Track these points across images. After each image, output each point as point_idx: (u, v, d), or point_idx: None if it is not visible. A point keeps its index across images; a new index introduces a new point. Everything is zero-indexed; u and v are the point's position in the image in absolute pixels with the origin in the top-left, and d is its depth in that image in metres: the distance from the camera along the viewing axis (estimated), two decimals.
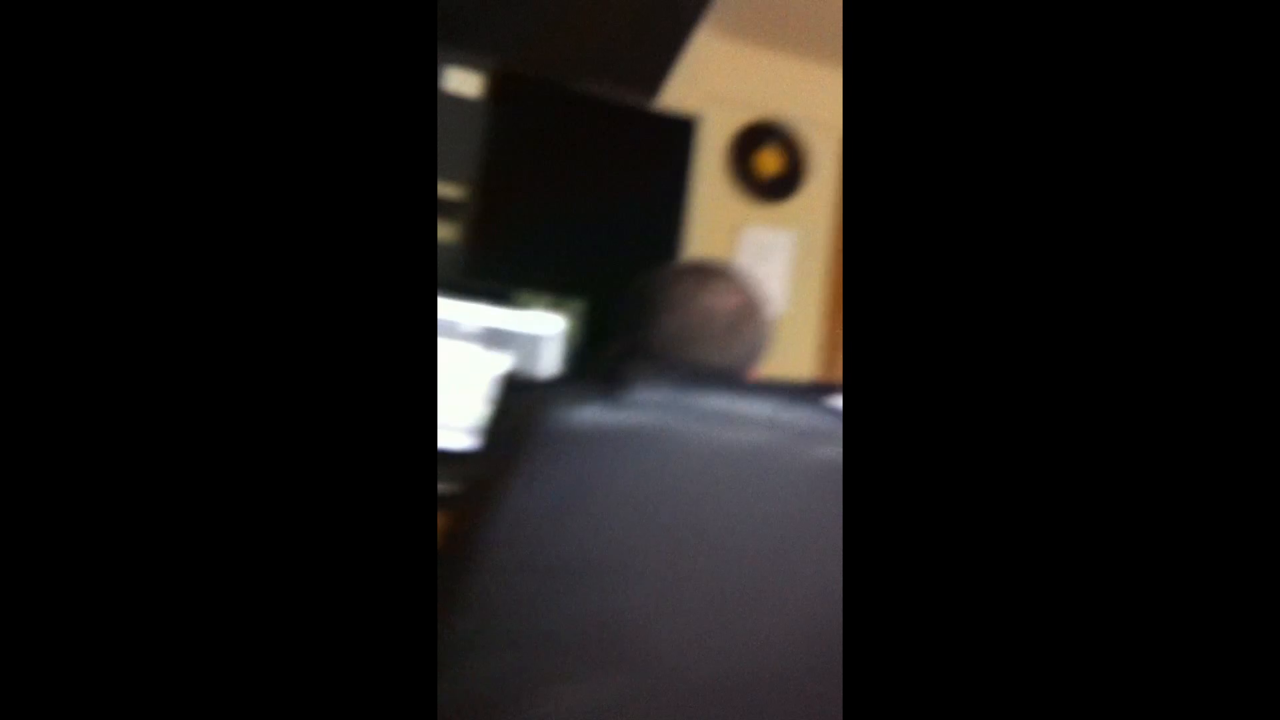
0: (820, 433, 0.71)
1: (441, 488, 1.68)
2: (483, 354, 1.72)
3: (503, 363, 1.73)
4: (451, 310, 1.70)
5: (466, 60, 1.91)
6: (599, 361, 0.96)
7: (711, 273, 0.89)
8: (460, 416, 1.70)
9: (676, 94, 2.21)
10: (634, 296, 0.89)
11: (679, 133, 2.10)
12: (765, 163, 2.35)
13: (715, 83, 2.30)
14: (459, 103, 1.91)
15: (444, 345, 1.69)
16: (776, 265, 2.36)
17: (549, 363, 1.76)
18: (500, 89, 1.94)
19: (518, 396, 0.73)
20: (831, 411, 0.73)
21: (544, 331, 1.76)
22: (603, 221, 2.01)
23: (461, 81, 1.91)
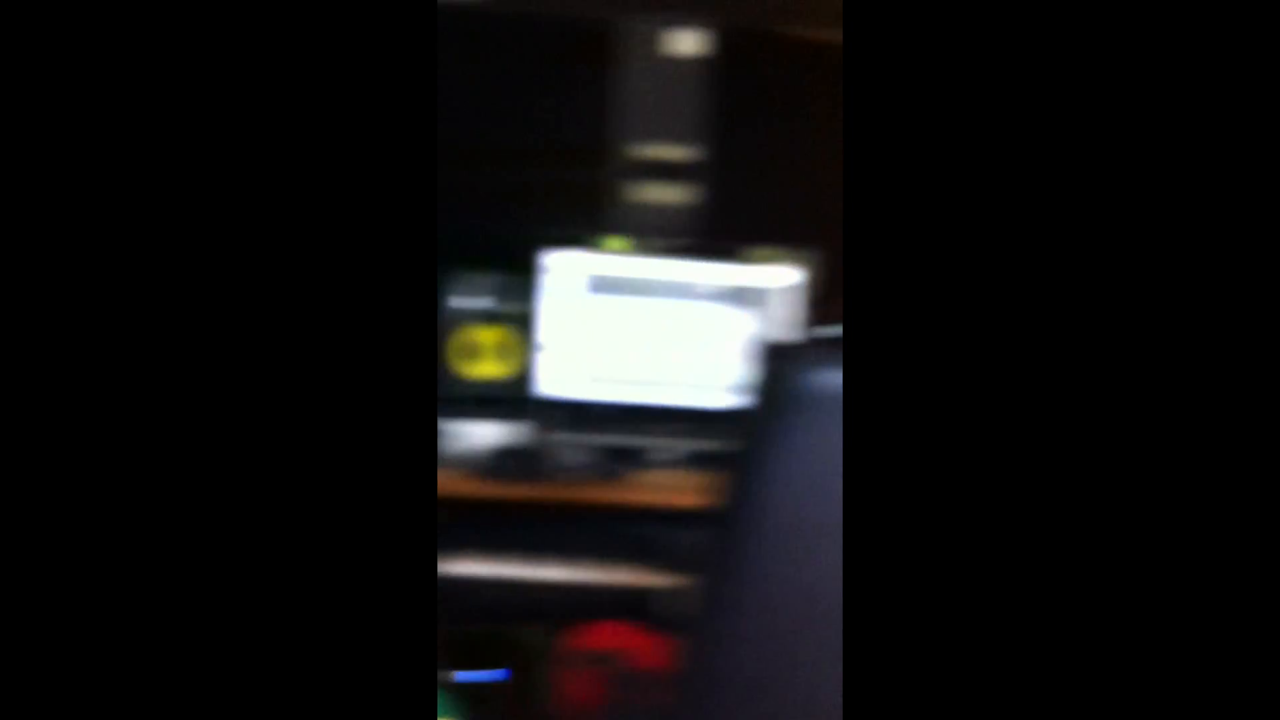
0: None
1: (708, 445, 1.79)
2: (722, 312, 1.80)
3: (741, 319, 1.80)
4: (687, 271, 1.80)
5: (684, 20, 1.97)
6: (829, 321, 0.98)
7: None
8: (708, 376, 1.80)
9: None
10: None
11: None
12: None
13: None
14: (682, 63, 1.98)
15: (683, 306, 1.79)
16: None
17: (783, 317, 1.81)
18: (722, 45, 1.98)
19: (769, 360, 0.79)
20: None
21: (776, 285, 1.81)
22: (822, 168, 2.02)
23: (681, 41, 1.97)
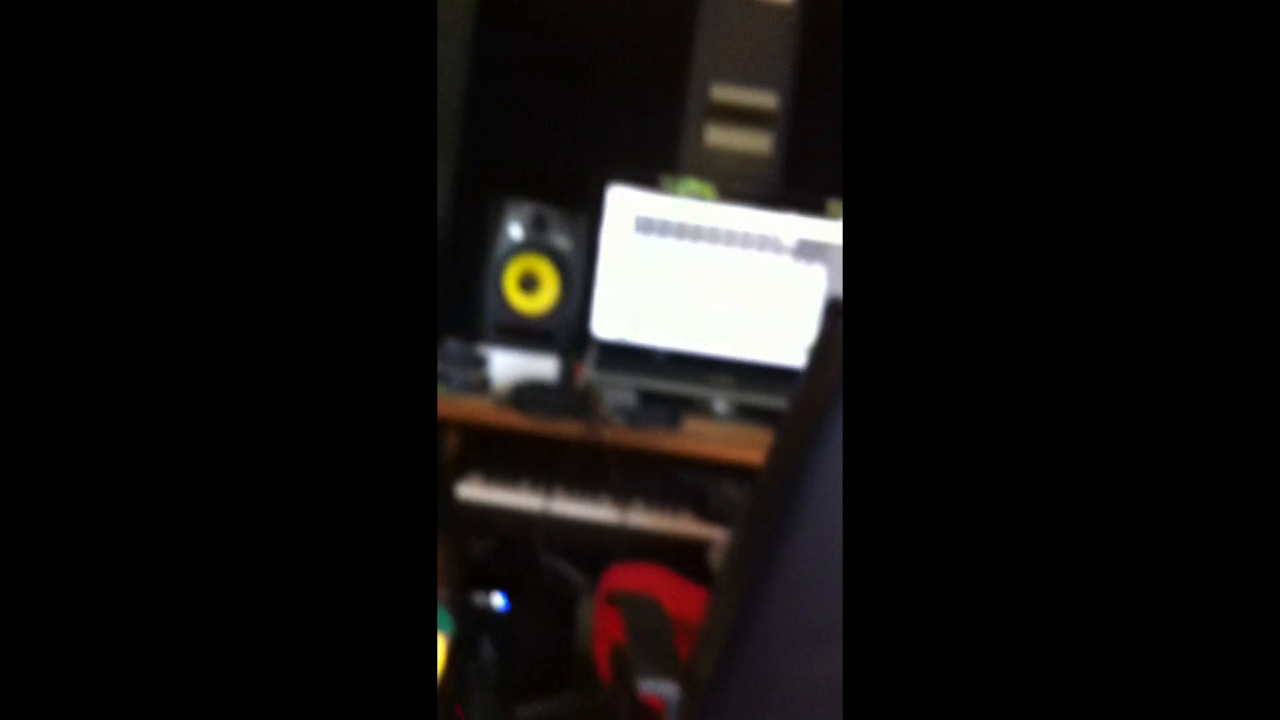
0: None
1: (768, 401, 1.74)
2: (796, 266, 1.75)
3: (816, 275, 1.75)
4: (769, 224, 1.74)
5: None
6: None
7: None
8: (775, 331, 1.75)
9: None
10: None
11: None
12: None
13: None
14: (770, 10, 1.90)
15: (765, 259, 1.74)
16: None
17: None
18: None
19: (831, 318, 0.75)
20: None
21: None
22: None
23: None
